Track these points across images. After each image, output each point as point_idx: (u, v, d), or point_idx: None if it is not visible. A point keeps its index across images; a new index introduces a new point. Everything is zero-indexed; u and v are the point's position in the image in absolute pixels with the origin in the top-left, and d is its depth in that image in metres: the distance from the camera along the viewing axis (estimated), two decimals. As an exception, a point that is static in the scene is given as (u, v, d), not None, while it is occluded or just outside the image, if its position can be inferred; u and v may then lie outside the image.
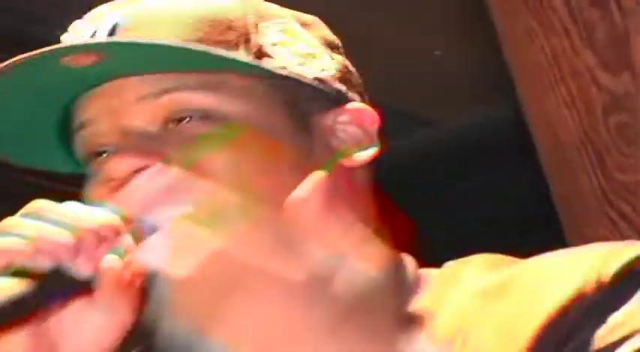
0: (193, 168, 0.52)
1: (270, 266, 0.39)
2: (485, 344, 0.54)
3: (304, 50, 0.62)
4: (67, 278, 0.48)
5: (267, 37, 0.61)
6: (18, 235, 0.48)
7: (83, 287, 0.49)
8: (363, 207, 0.60)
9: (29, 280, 0.46)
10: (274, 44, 0.61)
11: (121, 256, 0.49)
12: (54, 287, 0.48)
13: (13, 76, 0.57)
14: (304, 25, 0.64)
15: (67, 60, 0.55)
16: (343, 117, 0.62)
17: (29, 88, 0.58)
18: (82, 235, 0.49)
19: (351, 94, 0.64)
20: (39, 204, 0.50)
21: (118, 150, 0.56)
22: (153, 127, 0.58)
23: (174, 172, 0.50)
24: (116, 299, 0.49)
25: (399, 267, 0.61)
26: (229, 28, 0.59)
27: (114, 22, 0.59)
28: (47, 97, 0.59)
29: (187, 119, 0.58)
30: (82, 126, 0.59)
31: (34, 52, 0.55)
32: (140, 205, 0.51)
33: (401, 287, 0.60)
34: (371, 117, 0.63)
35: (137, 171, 0.54)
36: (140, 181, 0.52)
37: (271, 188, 0.52)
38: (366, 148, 0.62)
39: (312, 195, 0.42)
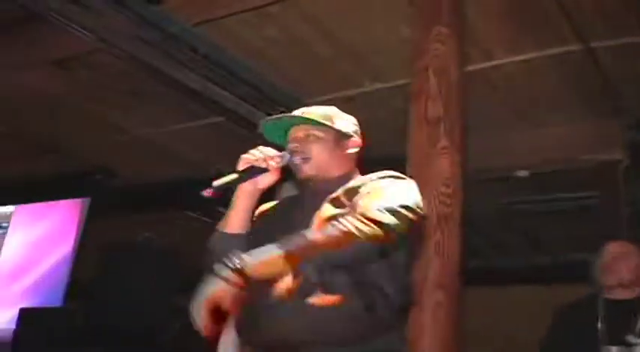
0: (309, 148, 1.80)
1: None
2: None
3: (347, 124, 1.88)
4: (257, 169, 1.72)
5: (337, 121, 1.86)
6: (253, 154, 1.74)
7: (266, 169, 1.73)
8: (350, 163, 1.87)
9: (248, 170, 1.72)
10: (340, 121, 1.87)
11: (278, 163, 1.75)
12: (256, 171, 1.72)
13: (274, 120, 1.85)
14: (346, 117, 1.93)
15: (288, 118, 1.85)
16: (353, 140, 1.87)
17: (277, 124, 1.85)
18: (266, 157, 1.73)
19: (355, 135, 1.89)
20: (256, 149, 1.76)
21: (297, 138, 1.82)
22: (303, 136, 1.81)
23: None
24: (272, 173, 1.76)
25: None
26: (330, 118, 1.85)
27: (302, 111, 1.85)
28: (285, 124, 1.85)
29: (312, 137, 1.81)
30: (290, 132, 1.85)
31: (283, 115, 1.86)
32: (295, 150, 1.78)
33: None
34: (358, 141, 1.88)
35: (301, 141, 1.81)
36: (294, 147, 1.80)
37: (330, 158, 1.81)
38: (356, 149, 1.87)
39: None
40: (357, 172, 1.85)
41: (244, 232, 1.74)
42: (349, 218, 1.53)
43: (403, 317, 1.67)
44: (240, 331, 1.65)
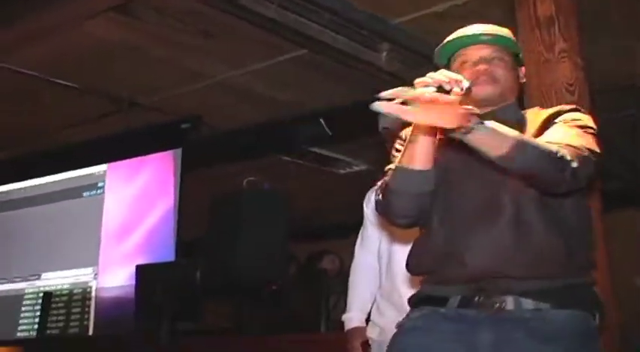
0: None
1: None
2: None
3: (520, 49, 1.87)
4: (442, 89, 1.41)
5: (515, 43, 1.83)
6: (433, 77, 1.42)
7: (448, 94, 1.41)
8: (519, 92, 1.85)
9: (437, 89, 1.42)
10: (517, 45, 1.83)
11: (462, 89, 1.41)
12: (439, 92, 1.40)
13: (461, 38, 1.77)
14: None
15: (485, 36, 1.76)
16: (523, 68, 1.84)
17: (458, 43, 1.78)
18: (450, 79, 1.41)
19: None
20: (443, 73, 1.44)
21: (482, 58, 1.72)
22: (490, 57, 1.73)
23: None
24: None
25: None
26: (515, 43, 1.82)
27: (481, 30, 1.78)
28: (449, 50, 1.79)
29: (497, 60, 1.73)
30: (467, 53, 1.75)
31: (472, 32, 1.78)
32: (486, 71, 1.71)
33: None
34: (524, 70, 1.84)
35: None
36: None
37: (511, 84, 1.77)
38: (524, 78, 1.85)
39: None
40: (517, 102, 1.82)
41: (431, 168, 1.59)
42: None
43: (593, 257, 1.67)
44: (434, 268, 1.64)
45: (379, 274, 2.71)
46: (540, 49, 2.59)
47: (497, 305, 1.52)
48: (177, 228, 5.15)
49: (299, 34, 3.77)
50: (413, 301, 1.71)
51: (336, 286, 3.68)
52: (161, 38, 4.14)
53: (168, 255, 5.09)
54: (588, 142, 1.56)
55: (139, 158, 5.62)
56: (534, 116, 1.73)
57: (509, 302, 1.52)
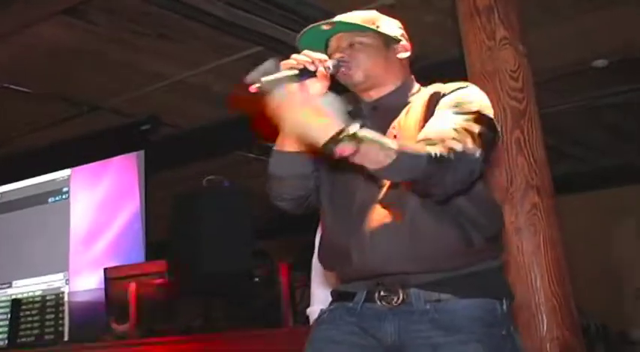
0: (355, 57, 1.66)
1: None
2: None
3: (392, 28, 1.75)
4: (308, 71, 1.51)
5: (381, 24, 1.73)
6: (297, 58, 1.52)
7: (314, 74, 1.53)
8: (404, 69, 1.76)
9: (300, 70, 1.50)
10: (385, 24, 1.74)
11: (327, 69, 1.56)
12: (305, 73, 1.51)
13: (315, 28, 1.68)
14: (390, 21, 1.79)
15: (326, 27, 1.68)
16: (402, 44, 1.75)
17: (317, 32, 1.68)
18: (314, 60, 1.53)
19: (404, 41, 1.76)
20: (306, 53, 1.54)
21: (339, 47, 1.67)
22: (346, 44, 1.68)
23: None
24: (321, 79, 1.55)
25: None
26: (373, 22, 1.71)
27: (339, 18, 1.72)
28: (322, 35, 1.70)
29: (357, 45, 1.66)
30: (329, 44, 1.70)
31: (320, 22, 1.68)
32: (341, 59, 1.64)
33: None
34: (407, 45, 1.76)
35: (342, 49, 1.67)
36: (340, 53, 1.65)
37: (382, 65, 1.70)
38: (406, 54, 1.75)
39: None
40: (414, 80, 1.75)
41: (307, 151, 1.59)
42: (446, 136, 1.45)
43: (497, 242, 1.64)
44: (333, 265, 1.67)
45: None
46: (482, 37, 2.62)
47: (397, 298, 1.52)
48: (146, 230, 5.16)
49: (250, 31, 3.80)
50: (331, 296, 1.72)
51: (302, 279, 3.71)
52: (116, 41, 4.14)
53: (138, 256, 5.09)
54: (473, 131, 1.47)
55: (102, 162, 5.61)
56: (420, 97, 1.66)
57: (410, 295, 1.52)
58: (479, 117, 1.52)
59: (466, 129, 1.47)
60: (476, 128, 1.48)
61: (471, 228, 1.52)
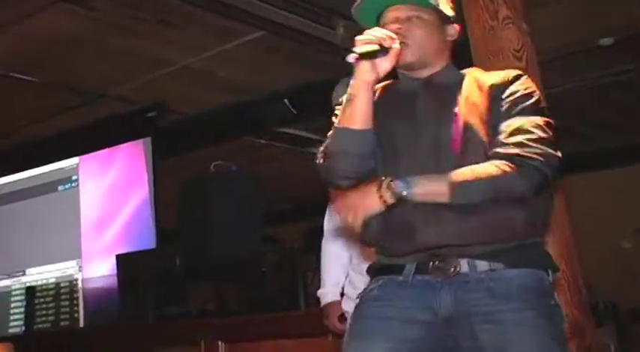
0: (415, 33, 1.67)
1: None
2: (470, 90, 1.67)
3: (448, 7, 1.74)
4: (384, 48, 1.54)
5: (441, 1, 1.71)
6: (374, 34, 1.56)
7: (387, 52, 1.55)
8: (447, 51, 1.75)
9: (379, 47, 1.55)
10: (442, 1, 1.72)
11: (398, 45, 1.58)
12: (383, 50, 1.54)
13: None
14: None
15: None
16: (454, 26, 1.75)
17: (374, 4, 1.69)
18: (388, 37, 1.56)
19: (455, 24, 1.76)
20: (379, 30, 1.58)
21: (397, 19, 1.68)
22: (405, 17, 1.68)
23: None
24: (391, 57, 1.58)
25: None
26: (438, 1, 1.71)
27: None
28: (376, 9, 1.70)
29: (415, 19, 1.66)
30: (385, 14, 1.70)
31: None
32: (399, 32, 1.62)
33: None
34: (457, 27, 1.75)
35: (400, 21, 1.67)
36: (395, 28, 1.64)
37: (436, 44, 1.70)
38: (455, 36, 1.75)
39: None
40: (452, 63, 1.76)
41: (370, 128, 1.61)
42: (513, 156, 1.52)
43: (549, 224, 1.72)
44: (386, 242, 1.66)
45: (350, 247, 2.74)
46: (485, 16, 2.60)
47: (452, 269, 1.55)
48: (156, 216, 5.19)
49: (252, 15, 3.78)
50: (371, 272, 1.72)
51: (312, 263, 3.72)
52: (118, 28, 4.12)
53: (149, 243, 5.13)
54: (545, 136, 1.54)
55: (110, 149, 5.64)
56: (472, 80, 1.68)
57: (464, 265, 1.55)
58: (543, 114, 1.60)
59: (539, 137, 1.54)
60: (546, 131, 1.55)
61: (526, 206, 1.56)
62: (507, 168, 1.49)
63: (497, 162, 1.51)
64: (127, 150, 5.54)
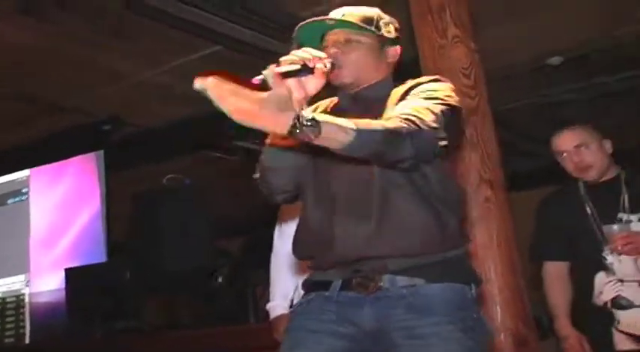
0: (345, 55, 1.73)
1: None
2: None
3: (391, 29, 1.80)
4: (307, 68, 1.51)
5: (382, 24, 1.77)
6: (297, 55, 1.51)
7: (312, 71, 1.52)
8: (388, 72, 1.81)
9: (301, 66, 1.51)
10: (384, 26, 1.78)
11: (325, 67, 1.53)
12: (306, 69, 1.51)
13: (310, 24, 1.72)
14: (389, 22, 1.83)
15: (327, 21, 1.73)
16: (395, 48, 1.82)
17: (314, 26, 1.73)
18: (314, 57, 1.52)
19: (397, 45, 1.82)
20: (306, 50, 1.54)
21: (336, 42, 1.75)
22: (343, 41, 1.74)
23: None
24: (318, 76, 1.52)
25: None
26: (374, 20, 1.76)
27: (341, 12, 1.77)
28: (318, 30, 1.74)
29: (354, 43, 1.73)
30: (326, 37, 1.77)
31: (322, 17, 1.73)
32: (336, 56, 1.70)
33: None
34: (399, 49, 1.82)
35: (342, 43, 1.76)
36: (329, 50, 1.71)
37: (373, 66, 1.77)
38: (396, 58, 1.81)
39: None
40: (391, 78, 1.80)
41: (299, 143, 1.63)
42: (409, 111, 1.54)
43: (464, 228, 1.73)
44: (313, 253, 1.68)
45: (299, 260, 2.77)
46: (434, 35, 2.68)
47: (374, 284, 1.58)
48: (107, 230, 5.13)
49: (209, 30, 3.80)
50: (304, 287, 1.76)
51: (262, 277, 3.73)
52: (75, 40, 4.09)
53: (99, 257, 5.07)
54: (434, 110, 1.55)
55: (61, 162, 5.56)
56: (399, 91, 1.71)
57: (385, 281, 1.58)
58: (442, 100, 1.61)
59: (427, 108, 1.55)
60: (437, 108, 1.56)
61: (444, 210, 1.60)
62: (404, 125, 1.48)
63: (397, 119, 1.50)
64: (79, 163, 5.48)
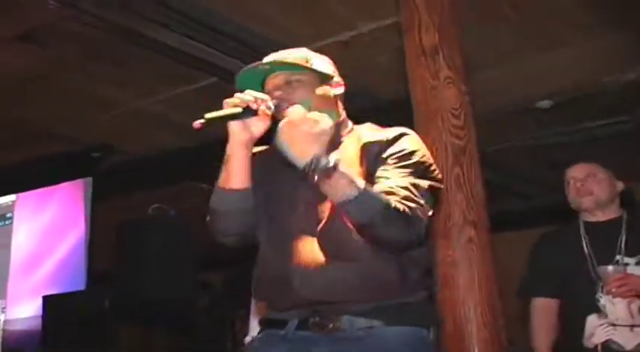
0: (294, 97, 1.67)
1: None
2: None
3: (325, 65, 1.80)
4: (251, 110, 1.58)
5: (314, 61, 1.77)
6: (240, 97, 1.58)
7: (255, 113, 1.59)
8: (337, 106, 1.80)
9: (243, 109, 1.58)
10: (318, 62, 1.78)
11: (269, 108, 1.61)
12: (248, 112, 1.58)
13: (251, 68, 1.72)
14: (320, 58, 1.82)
15: (264, 66, 1.73)
16: (336, 81, 1.80)
17: (254, 72, 1.72)
18: (256, 99, 1.59)
19: (337, 78, 1.81)
20: (249, 93, 1.60)
21: (277, 86, 1.72)
22: (284, 83, 1.71)
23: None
24: (263, 118, 1.61)
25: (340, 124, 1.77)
26: (306, 60, 1.75)
27: (274, 57, 1.76)
28: (259, 75, 1.73)
29: (295, 83, 1.70)
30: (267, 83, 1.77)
31: (257, 63, 1.73)
32: (281, 98, 1.66)
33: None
34: (340, 82, 1.81)
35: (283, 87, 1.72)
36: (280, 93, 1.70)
37: (319, 103, 1.68)
38: (340, 90, 1.80)
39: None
40: (347, 119, 1.81)
41: (248, 186, 1.66)
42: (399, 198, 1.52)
43: (430, 276, 1.73)
44: (271, 295, 1.67)
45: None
46: (427, 76, 2.71)
47: (331, 325, 1.56)
48: (89, 258, 5.08)
49: (206, 62, 3.84)
50: (260, 324, 1.74)
51: (241, 309, 3.71)
52: (70, 67, 4.11)
53: (79, 285, 4.99)
54: (424, 189, 1.58)
55: (49, 188, 5.53)
56: (354, 139, 1.72)
57: (343, 322, 1.56)
58: (424, 170, 1.63)
59: (416, 186, 1.56)
60: (425, 183, 1.60)
61: (405, 260, 1.60)
62: (405, 208, 1.50)
63: (398, 197, 1.51)
64: (66, 190, 5.45)
